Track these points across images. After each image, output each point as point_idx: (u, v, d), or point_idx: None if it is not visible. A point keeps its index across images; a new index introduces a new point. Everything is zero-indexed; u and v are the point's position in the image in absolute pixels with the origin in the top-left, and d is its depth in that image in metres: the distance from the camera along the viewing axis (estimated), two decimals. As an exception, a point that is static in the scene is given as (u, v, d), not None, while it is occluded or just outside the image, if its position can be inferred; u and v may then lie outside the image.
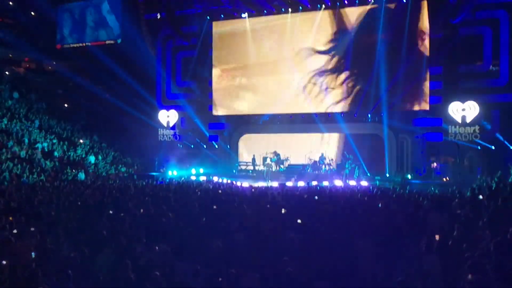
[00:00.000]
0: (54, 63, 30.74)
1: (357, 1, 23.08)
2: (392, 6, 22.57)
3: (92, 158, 23.87)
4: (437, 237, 7.37)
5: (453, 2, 20.77)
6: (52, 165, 21.62)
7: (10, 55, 29.68)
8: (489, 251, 6.40)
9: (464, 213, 9.28)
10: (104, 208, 10.57)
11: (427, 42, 22.00)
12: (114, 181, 20.04)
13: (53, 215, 9.90)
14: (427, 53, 22.03)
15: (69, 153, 23.43)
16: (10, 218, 9.21)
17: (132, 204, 11.10)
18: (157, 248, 7.13)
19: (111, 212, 10.09)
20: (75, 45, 28.09)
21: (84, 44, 27.84)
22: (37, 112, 26.44)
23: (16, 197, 12.56)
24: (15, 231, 8.11)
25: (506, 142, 20.30)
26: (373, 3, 22.76)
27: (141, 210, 10.30)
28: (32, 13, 28.72)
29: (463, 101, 20.87)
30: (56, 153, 22.76)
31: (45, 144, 22.99)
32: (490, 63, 21.49)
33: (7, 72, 28.53)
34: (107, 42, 26.78)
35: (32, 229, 8.14)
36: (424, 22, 21.95)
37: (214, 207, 10.68)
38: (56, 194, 13.14)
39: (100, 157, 24.62)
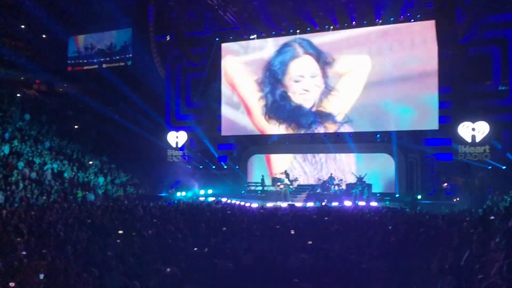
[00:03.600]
0: (65, 85, 31.07)
1: (365, 22, 23.22)
2: (400, 26, 22.73)
3: (101, 179, 23.93)
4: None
5: (461, 22, 20.83)
6: (62, 186, 21.69)
7: (22, 78, 30.02)
8: (503, 272, 6.29)
9: (476, 234, 9.17)
10: (113, 229, 10.55)
11: (435, 62, 22.03)
12: (123, 202, 20.05)
13: (63, 236, 9.89)
14: (436, 73, 22.05)
15: (79, 174, 23.51)
16: (19, 239, 9.21)
17: (140, 225, 11.08)
18: (166, 269, 7.08)
19: (120, 233, 10.07)
20: (86, 68, 28.43)
21: (94, 67, 28.17)
22: (48, 133, 26.63)
23: (26, 218, 12.58)
24: (24, 252, 8.11)
25: (516, 162, 20.17)
26: (381, 23, 22.91)
27: (150, 231, 10.27)
28: (44, 36, 29.13)
29: (473, 121, 20.80)
30: (65, 174, 22.85)
31: (55, 166, 23.09)
32: (499, 83, 21.48)
33: (18, 94, 28.83)
34: (117, 64, 27.06)
35: (44, 251, 8.13)
36: (433, 42, 22.00)
37: (224, 228, 10.62)
38: (65, 215, 13.15)
39: (109, 178, 24.67)
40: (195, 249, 8.44)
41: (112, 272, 6.96)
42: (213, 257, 7.64)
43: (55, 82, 30.98)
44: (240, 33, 25.73)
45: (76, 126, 30.63)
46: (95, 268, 6.91)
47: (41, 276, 6.93)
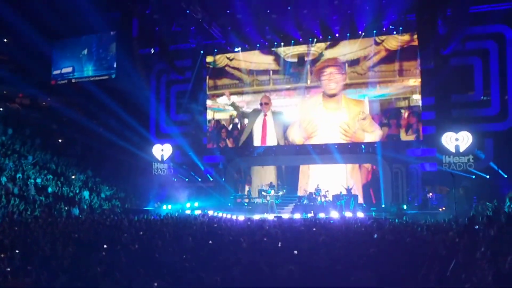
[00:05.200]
0: (49, 98, 30.81)
1: (348, 34, 23.44)
2: (383, 38, 22.97)
3: (86, 193, 23.70)
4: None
5: (443, 33, 21.12)
6: (46, 200, 21.44)
7: (4, 91, 29.73)
8: (488, 282, 6.34)
9: (461, 243, 9.23)
10: (98, 243, 10.44)
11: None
12: (108, 216, 19.86)
13: (47, 251, 9.77)
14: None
15: (63, 188, 23.27)
16: (3, 255, 9.08)
17: (126, 239, 10.99)
18: (153, 284, 7.03)
19: (105, 247, 9.97)
20: (69, 81, 28.22)
21: (78, 80, 27.98)
22: (31, 147, 26.36)
23: (9, 233, 12.40)
24: (8, 269, 7.98)
25: (500, 171, 20.38)
26: (364, 36, 23.14)
27: (136, 245, 10.18)
28: (27, 49, 28.92)
29: (456, 130, 21.05)
30: (50, 189, 22.60)
31: (39, 180, 22.85)
32: (481, 93, 21.81)
33: (1, 108, 28.54)
34: (102, 77, 26.94)
35: (28, 267, 8.01)
36: (415, 53, 22.31)
37: (210, 241, 10.57)
38: (50, 230, 13.00)
39: (94, 192, 24.45)
40: (182, 263, 8.38)
41: (98, 286, 6.88)
42: (200, 271, 7.60)
43: (38, 96, 30.71)
44: (225, 46, 25.81)
45: (60, 140, 30.36)
46: (81, 284, 6.83)
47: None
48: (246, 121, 25.61)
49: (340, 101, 23.89)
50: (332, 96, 24.08)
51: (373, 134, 23.26)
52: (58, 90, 28.80)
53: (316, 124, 24.27)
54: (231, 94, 25.92)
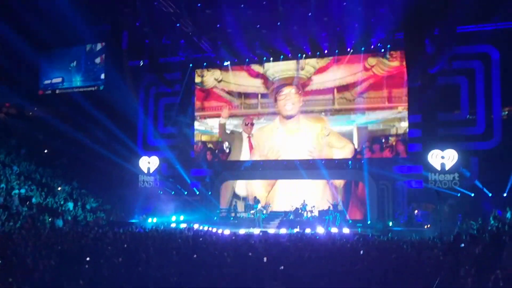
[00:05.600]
0: (36, 108, 30.58)
1: (336, 51, 23.62)
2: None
3: (70, 205, 23.43)
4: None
5: (430, 52, 21.36)
6: (30, 211, 21.17)
7: (-9, 101, 29.51)
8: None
9: (446, 260, 9.26)
10: (82, 256, 10.31)
11: (405, 91, 22.52)
12: (92, 228, 19.64)
13: (29, 263, 9.62)
14: (406, 101, 22.52)
15: (48, 199, 23.01)
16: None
17: (110, 252, 10.86)
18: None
19: (89, 260, 9.85)
20: (57, 91, 28.07)
21: (66, 90, 27.84)
22: (16, 157, 26.09)
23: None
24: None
25: (484, 189, 20.55)
26: (352, 53, 23.35)
27: (120, 259, 10.07)
28: (14, 59, 28.72)
29: (442, 148, 21.23)
30: (34, 199, 22.33)
31: (23, 190, 22.58)
32: (467, 112, 22.08)
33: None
34: (90, 88, 26.84)
35: (9, 279, 7.89)
36: (403, 72, 22.53)
37: (195, 256, 10.48)
38: (32, 242, 12.81)
39: (79, 204, 24.19)
40: (167, 277, 8.31)
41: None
42: (185, 285, 7.54)
43: (25, 106, 30.48)
44: (214, 60, 25.88)
45: (46, 151, 30.07)
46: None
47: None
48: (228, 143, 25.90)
49: (299, 122, 24.23)
50: (289, 117, 24.44)
51: (343, 149, 23.49)
52: (45, 100, 28.62)
53: (278, 150, 24.58)
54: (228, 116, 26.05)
